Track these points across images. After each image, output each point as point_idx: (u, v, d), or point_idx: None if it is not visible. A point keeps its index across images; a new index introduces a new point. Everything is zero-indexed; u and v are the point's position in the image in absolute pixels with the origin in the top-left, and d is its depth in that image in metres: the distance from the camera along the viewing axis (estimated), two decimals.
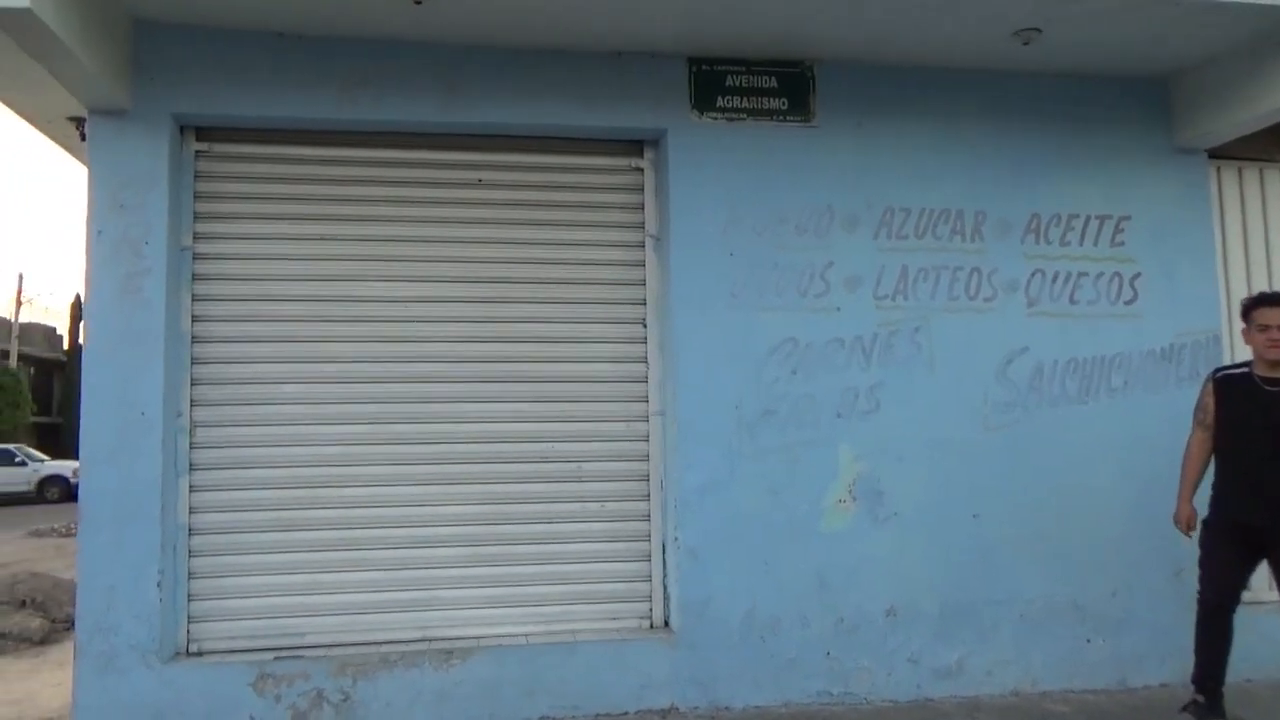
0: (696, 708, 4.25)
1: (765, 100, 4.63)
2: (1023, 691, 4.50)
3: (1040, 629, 4.57)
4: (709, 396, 4.45)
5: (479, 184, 4.59)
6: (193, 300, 4.29)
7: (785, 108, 4.64)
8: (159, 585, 3.98)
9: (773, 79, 4.64)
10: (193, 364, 4.26)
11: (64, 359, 39.70)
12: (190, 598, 4.16)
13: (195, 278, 4.30)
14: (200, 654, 4.13)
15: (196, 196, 4.33)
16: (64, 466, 28.27)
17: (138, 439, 4.01)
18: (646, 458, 4.59)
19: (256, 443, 4.30)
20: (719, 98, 4.62)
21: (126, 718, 3.89)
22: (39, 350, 38.88)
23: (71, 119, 5.17)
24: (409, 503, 4.37)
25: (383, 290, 4.45)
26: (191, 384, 4.25)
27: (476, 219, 4.58)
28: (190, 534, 4.18)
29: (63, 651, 6.14)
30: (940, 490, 4.56)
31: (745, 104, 4.61)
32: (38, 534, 17.02)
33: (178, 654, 4.08)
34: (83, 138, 5.26)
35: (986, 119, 4.81)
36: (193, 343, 4.27)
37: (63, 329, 40.35)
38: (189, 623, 4.15)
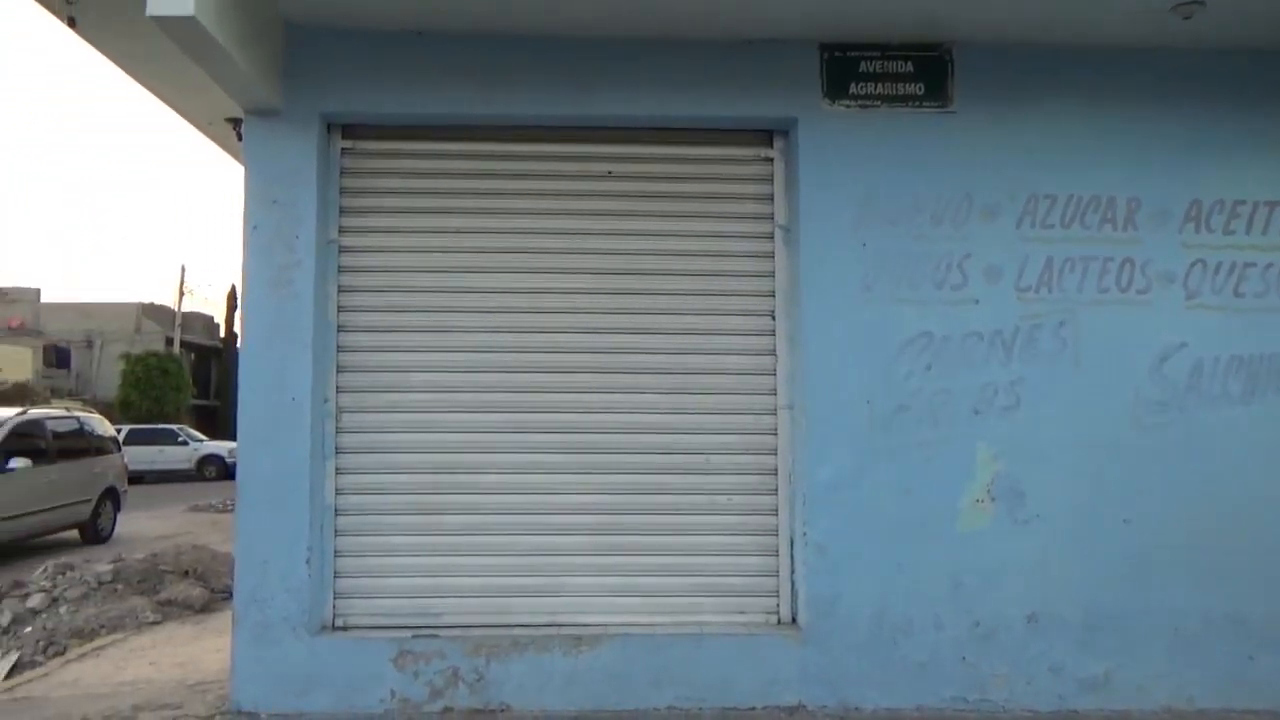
0: (825, 707, 4.19)
1: (900, 86, 4.49)
2: (1176, 709, 4.24)
3: (1197, 643, 4.28)
4: (840, 391, 4.36)
5: (609, 176, 4.63)
6: (339, 291, 4.49)
7: (921, 93, 4.49)
8: (308, 562, 4.20)
9: (909, 64, 4.50)
10: (338, 352, 4.46)
11: (220, 346, 42.44)
12: (336, 575, 4.37)
13: (341, 270, 4.50)
14: (345, 628, 4.33)
15: (342, 192, 4.53)
16: (221, 447, 30.24)
17: (289, 424, 4.24)
18: (774, 451, 4.54)
19: (397, 428, 4.47)
20: (852, 84, 4.50)
21: (279, 685, 4.13)
22: (198, 338, 41.72)
23: (229, 120, 5.52)
24: (540, 490, 4.46)
25: (517, 281, 4.55)
26: (337, 371, 4.46)
27: (607, 211, 4.62)
28: (336, 514, 4.39)
29: (220, 620, 6.56)
30: (1087, 492, 4.33)
31: (879, 90, 4.48)
32: (197, 509, 18.25)
33: (324, 627, 4.30)
34: (239, 138, 5.57)
35: (1141, 100, 4.52)
36: (338, 332, 4.47)
37: (219, 318, 43.07)
38: (335, 598, 4.36)
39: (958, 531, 4.29)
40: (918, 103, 4.48)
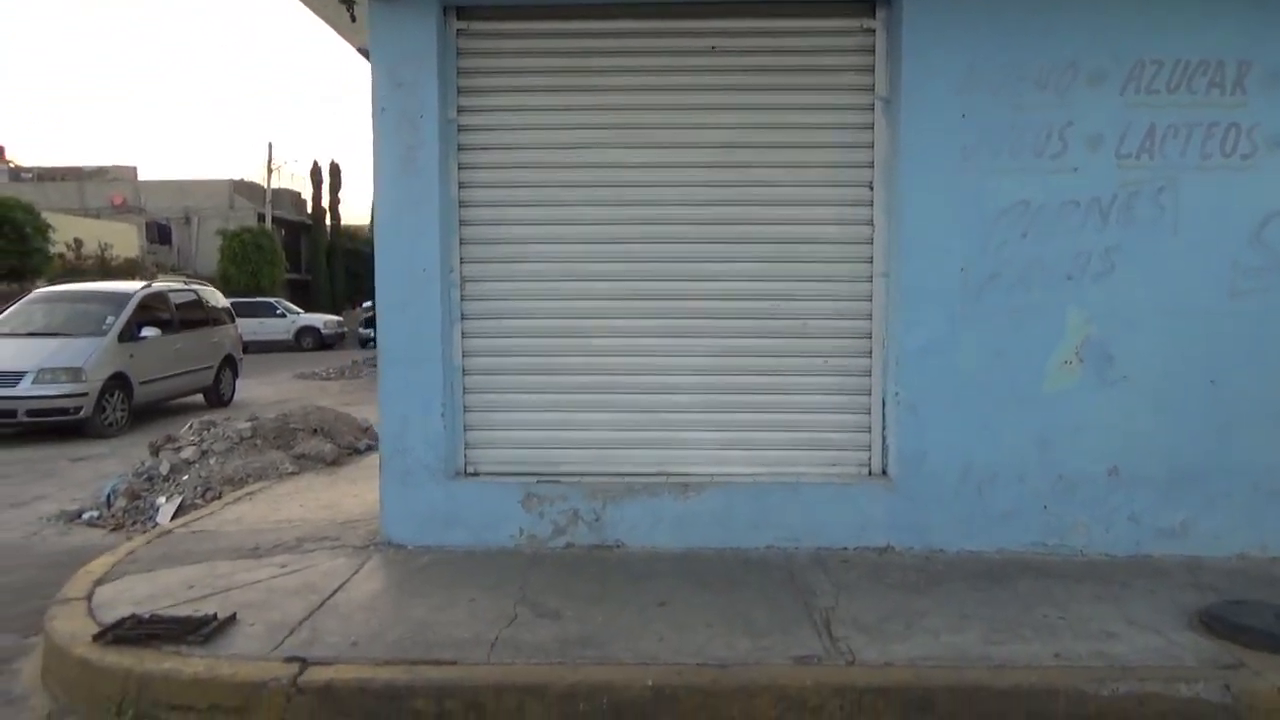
0: (911, 548, 4.57)
1: None
2: (1251, 556, 4.49)
3: (1275, 498, 4.50)
4: (934, 258, 4.55)
5: (713, 51, 4.75)
6: (459, 169, 4.79)
7: None
8: (442, 416, 4.68)
9: None
10: (461, 226, 4.81)
11: (309, 221, 43.67)
12: (466, 428, 4.85)
13: (460, 148, 4.79)
14: (475, 474, 4.85)
15: (459, 73, 4.78)
16: (316, 319, 31.67)
17: (420, 293, 4.65)
18: (869, 316, 4.79)
19: (516, 296, 4.84)
20: None
21: (422, 522, 4.69)
22: (287, 213, 42.89)
23: (342, 0, 5.74)
24: (650, 353, 4.82)
25: (626, 156, 4.78)
26: (460, 244, 4.81)
27: (711, 85, 4.77)
28: (464, 374, 4.84)
29: (350, 471, 7.25)
30: (1175, 356, 4.49)
31: None
32: (303, 377, 19.40)
33: (458, 473, 4.81)
34: (353, 18, 5.81)
35: None
36: (460, 207, 4.81)
37: (306, 194, 44.13)
38: (466, 448, 4.86)
39: (1044, 392, 4.52)
40: None
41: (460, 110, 4.78)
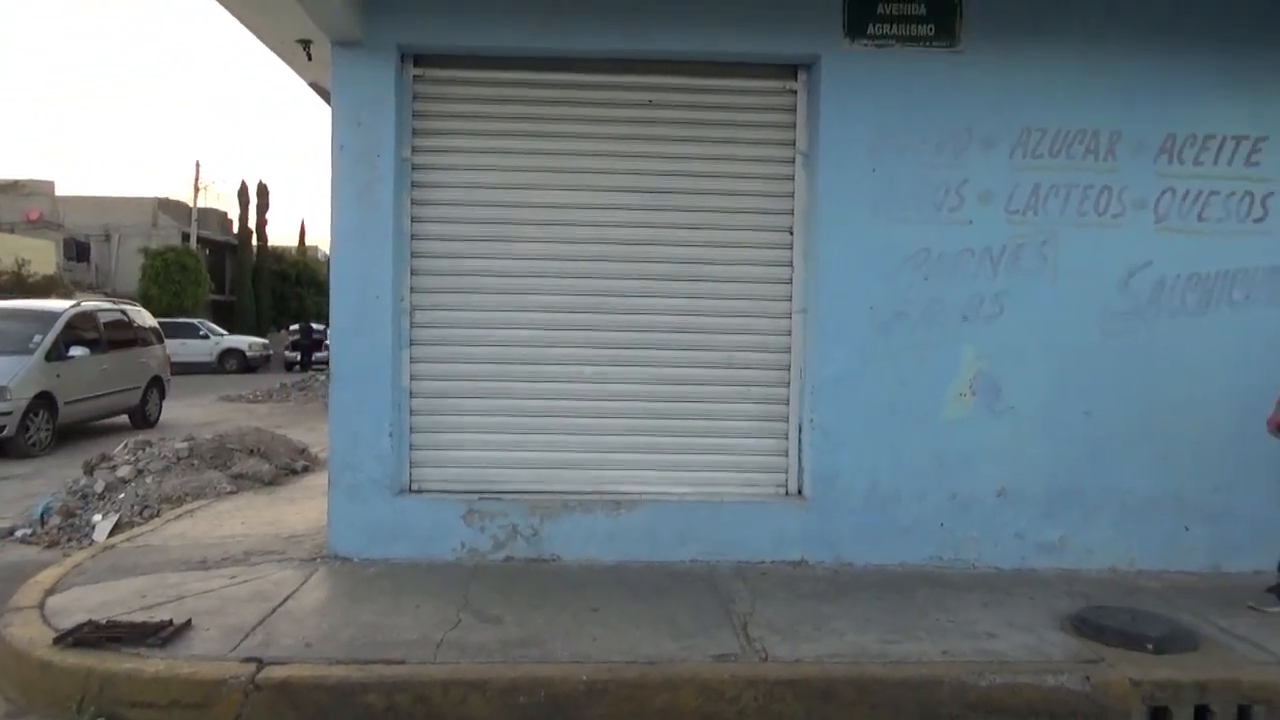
0: (823, 561, 5.00)
1: (913, 26, 5.01)
2: (1120, 569, 5.04)
3: (1141, 516, 5.07)
4: (847, 298, 5.03)
5: (649, 104, 5.19)
6: (412, 204, 5.12)
7: (931, 33, 5.01)
8: (390, 435, 4.97)
9: (921, 5, 5.01)
10: (412, 257, 5.13)
11: (235, 242, 42.94)
12: (412, 447, 5.15)
13: (414, 185, 5.12)
14: (420, 491, 5.13)
15: (414, 115, 5.12)
16: (240, 341, 31.18)
17: (373, 318, 4.95)
18: (788, 350, 5.24)
19: (463, 324, 5.17)
20: (870, 25, 5.02)
21: (368, 535, 4.95)
22: (213, 233, 42.13)
23: (300, 41, 6.03)
24: (586, 380, 5.19)
25: (567, 197, 5.18)
26: (411, 274, 5.13)
27: (646, 135, 5.21)
28: (411, 396, 5.14)
29: (288, 490, 7.42)
30: (1055, 388, 5.05)
31: (894, 30, 5.01)
32: (228, 399, 19.16)
33: (403, 490, 5.09)
34: (309, 58, 6.11)
35: (1129, 40, 5.04)
36: (412, 239, 5.13)
37: (233, 214, 43.40)
38: (411, 467, 5.15)
39: (943, 419, 5.03)
40: (928, 42, 5.01)
41: (414, 150, 5.12)
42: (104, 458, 7.84)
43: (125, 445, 8.14)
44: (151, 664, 3.59)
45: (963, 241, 5.03)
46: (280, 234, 50.80)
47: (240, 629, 3.95)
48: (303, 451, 8.72)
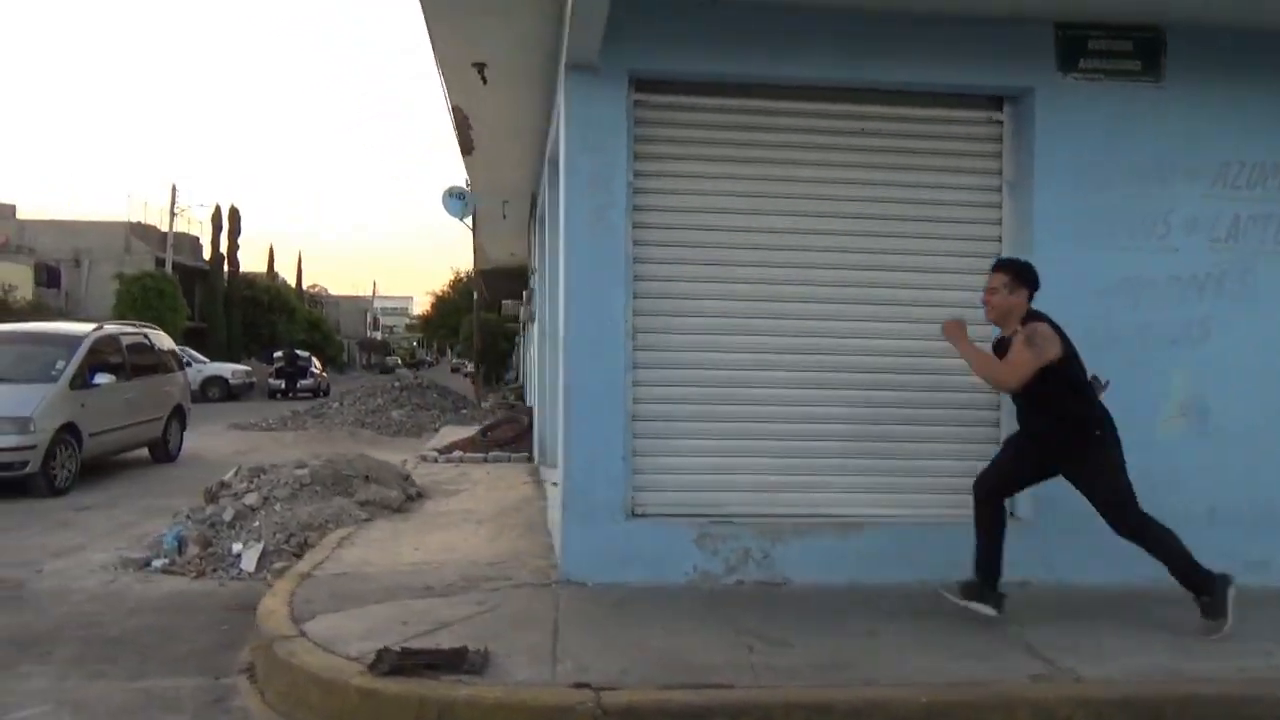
0: (1046, 582, 5.07)
1: (1121, 62, 5.21)
2: None
3: None
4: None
5: (861, 133, 5.31)
6: (633, 228, 5.13)
7: (1138, 68, 5.22)
8: (623, 459, 4.94)
9: (1129, 42, 5.21)
10: (634, 281, 5.13)
11: (207, 267, 42.10)
12: (635, 471, 5.11)
13: (635, 209, 5.14)
14: (644, 515, 5.10)
15: (635, 140, 5.15)
16: (223, 368, 30.52)
17: (607, 343, 4.96)
18: None
19: (681, 347, 5.19)
20: (1081, 59, 5.21)
21: (599, 560, 4.91)
22: (184, 259, 41.23)
23: (475, 64, 6.06)
24: (805, 403, 5.23)
25: (783, 223, 5.26)
26: (633, 297, 5.13)
27: (856, 163, 5.33)
28: (635, 420, 5.11)
29: (422, 516, 7.30)
30: (1260, 410, 5.22)
31: (1103, 65, 5.20)
32: (240, 427, 18.65)
33: (631, 514, 5.06)
34: (484, 81, 6.12)
35: None
36: (633, 263, 5.13)
37: (204, 239, 42.62)
38: (633, 490, 5.11)
39: (1155, 441, 5.16)
40: (1134, 77, 5.21)
41: (636, 174, 5.14)
42: (223, 485, 7.63)
43: (237, 471, 7.93)
44: (488, 691, 3.52)
45: (1169, 269, 5.20)
46: (247, 260, 49.85)
47: (539, 655, 3.89)
48: (406, 478, 8.57)
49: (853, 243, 5.30)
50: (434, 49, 5.90)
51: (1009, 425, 5.27)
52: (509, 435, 11.76)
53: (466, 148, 8.42)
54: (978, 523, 4.58)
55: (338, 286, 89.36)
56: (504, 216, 11.77)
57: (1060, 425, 4.39)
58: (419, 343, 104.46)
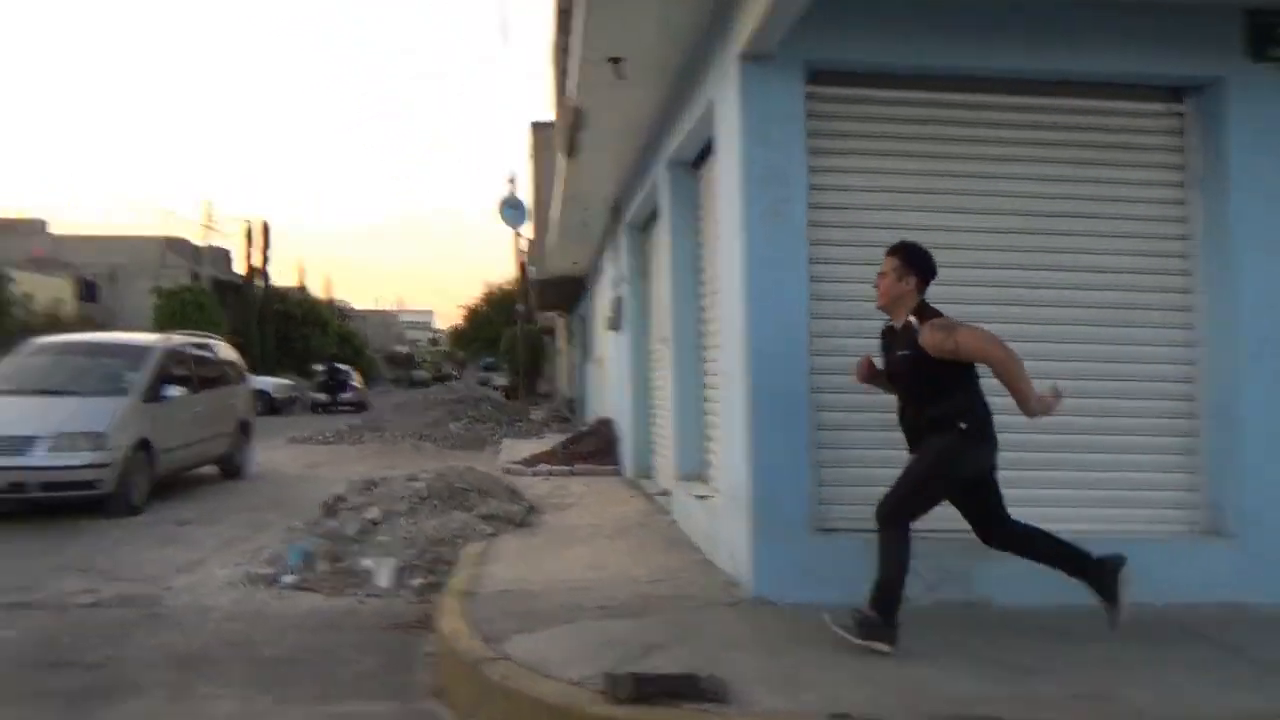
0: (1260, 604, 4.76)
1: None
2: None
3: None
4: (1262, 328, 4.87)
5: (1037, 126, 5.08)
6: (807, 225, 4.89)
7: None
8: (808, 471, 4.69)
9: None
10: (811, 282, 4.89)
11: (240, 281, 42.17)
12: (820, 484, 4.85)
13: (809, 206, 4.90)
14: (830, 530, 4.83)
15: (808, 134, 4.91)
16: (266, 382, 30.29)
17: (789, 345, 4.73)
18: (1190, 380, 5.08)
19: (860, 350, 4.89)
20: (1270, 46, 4.94)
21: (789, 577, 4.65)
22: (217, 272, 41.36)
23: (611, 59, 5.87)
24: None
25: (956, 220, 5.05)
26: (810, 299, 4.88)
27: (1034, 158, 5.12)
28: (817, 429, 4.86)
29: (547, 531, 7.05)
30: None
31: None
32: (296, 441, 18.56)
33: (819, 529, 4.79)
34: (618, 76, 5.91)
35: None
36: (809, 263, 4.89)
37: (236, 252, 42.74)
38: (821, 505, 4.85)
39: None
40: None
41: (810, 170, 4.91)
42: (340, 499, 7.43)
43: (350, 484, 7.73)
44: None
45: None
46: (281, 275, 50.13)
47: (773, 681, 3.63)
48: (514, 491, 8.34)
49: (1030, 241, 5.07)
50: (582, 42, 5.70)
51: (1209, 438, 4.99)
52: (592, 448, 11.52)
53: (572, 150, 8.20)
54: (886, 549, 4.12)
55: (358, 300, 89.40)
56: (584, 224, 11.55)
57: (944, 413, 4.07)
58: (444, 356, 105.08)
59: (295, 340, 44.27)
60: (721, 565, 5.33)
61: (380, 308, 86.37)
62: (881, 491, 4.80)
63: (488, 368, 53.66)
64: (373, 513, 7.03)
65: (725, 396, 4.73)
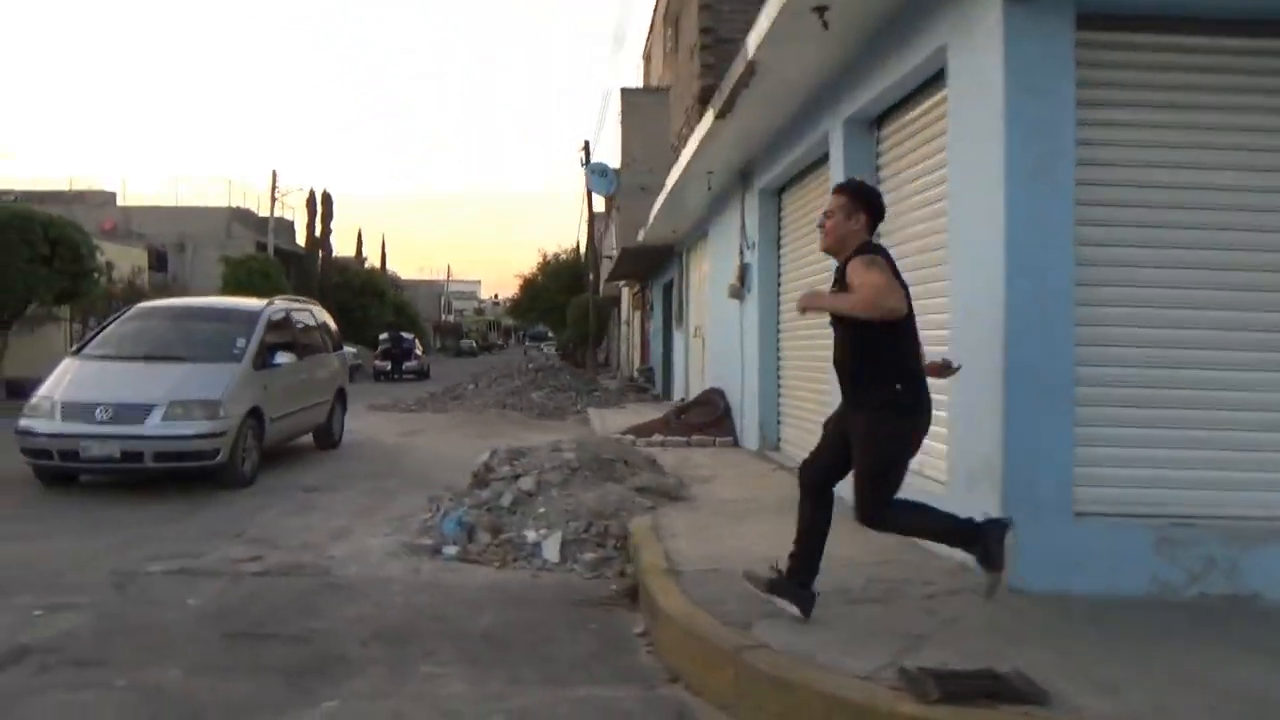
0: None
1: None
2: None
3: None
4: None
5: None
6: (1074, 184, 4.44)
7: None
8: (1072, 450, 4.28)
9: None
10: (1077, 245, 4.43)
11: (302, 252, 42.37)
12: (1084, 464, 4.42)
13: (1077, 163, 4.44)
14: (1087, 515, 4.40)
15: (1077, 84, 4.45)
16: None
17: (1052, 315, 4.29)
18: None
19: (1124, 321, 4.47)
20: None
21: (1045, 565, 4.24)
22: (281, 242, 41.51)
23: (815, 8, 5.44)
24: (1262, 387, 4.48)
25: (1245, 179, 4.50)
26: (1075, 265, 4.43)
27: None
28: (1077, 405, 4.43)
29: (708, 505, 6.70)
30: None
31: None
32: (377, 408, 18.40)
33: (1078, 514, 4.39)
34: (825, 26, 5.49)
35: None
36: (1075, 225, 4.44)
37: (299, 223, 42.93)
38: (1078, 487, 4.43)
39: None
40: None
41: (1078, 123, 4.45)
42: (488, 469, 7.15)
43: (494, 454, 7.46)
44: None
45: None
46: (342, 246, 50.33)
47: (1081, 682, 3.23)
48: (653, 462, 8.02)
49: None
50: None
51: None
52: (705, 419, 11.17)
53: (726, 111, 7.78)
54: (909, 530, 4.09)
55: (405, 270, 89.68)
56: (709, 188, 11.10)
57: (871, 372, 3.74)
58: (489, 325, 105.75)
59: (354, 310, 44.41)
60: (933, 548, 4.93)
61: (425, 277, 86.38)
62: (1142, 473, 4.43)
63: (534, 338, 53.28)
64: (527, 483, 6.73)
65: (962, 374, 4.31)
